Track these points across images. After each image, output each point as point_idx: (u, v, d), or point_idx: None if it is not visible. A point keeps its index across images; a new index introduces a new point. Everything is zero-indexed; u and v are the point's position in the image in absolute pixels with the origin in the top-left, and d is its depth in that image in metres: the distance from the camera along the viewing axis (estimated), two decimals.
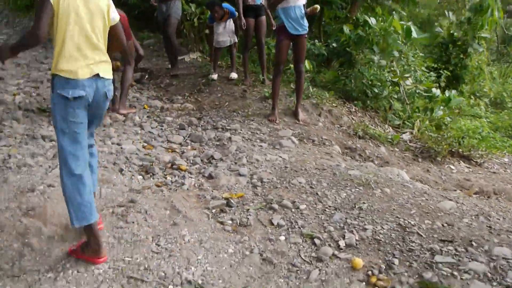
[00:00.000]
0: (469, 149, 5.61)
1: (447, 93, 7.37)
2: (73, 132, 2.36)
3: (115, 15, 2.58)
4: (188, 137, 4.75)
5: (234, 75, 6.42)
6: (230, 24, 6.29)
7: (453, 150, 5.53)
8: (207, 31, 7.64)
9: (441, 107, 6.59)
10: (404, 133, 5.89)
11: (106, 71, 2.48)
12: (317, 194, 3.45)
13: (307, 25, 5.18)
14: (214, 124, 5.02)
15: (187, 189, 3.57)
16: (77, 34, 2.35)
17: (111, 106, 5.13)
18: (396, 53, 6.57)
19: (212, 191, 3.52)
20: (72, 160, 2.37)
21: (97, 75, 2.40)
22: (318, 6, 5.27)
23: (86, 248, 2.48)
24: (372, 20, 6.75)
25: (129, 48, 5.47)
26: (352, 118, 5.73)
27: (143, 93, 6.15)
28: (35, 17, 2.29)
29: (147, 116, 5.30)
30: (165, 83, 6.51)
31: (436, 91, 7.18)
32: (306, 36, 5.25)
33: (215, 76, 6.40)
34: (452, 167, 5.20)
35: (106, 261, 2.51)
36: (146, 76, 6.83)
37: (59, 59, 2.32)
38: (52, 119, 2.45)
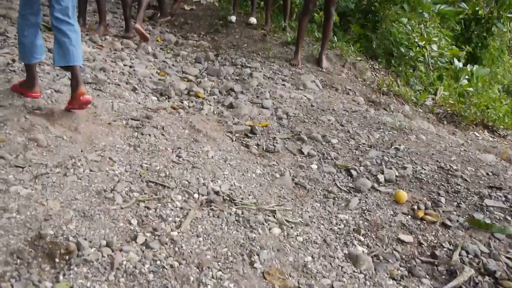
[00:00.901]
0: (493, 120, 5.35)
1: (469, 67, 7.07)
2: None
3: None
4: (205, 70, 4.41)
5: (253, 20, 6.04)
6: None
7: (477, 119, 5.27)
8: None
9: (466, 76, 6.29)
10: (427, 98, 5.60)
11: None
12: (348, 132, 3.16)
13: None
14: (233, 61, 4.69)
15: (206, 114, 3.27)
16: None
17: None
18: (426, 15, 6.22)
19: (234, 118, 3.22)
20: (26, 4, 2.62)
21: None
22: None
23: (25, 84, 2.78)
24: None
25: None
26: (376, 75, 5.42)
27: (156, 28, 5.75)
28: None
29: (160, 48, 4.94)
30: (179, 21, 6.11)
31: (459, 63, 6.88)
32: None
33: (233, 18, 6.01)
34: (477, 134, 4.95)
35: (122, 164, 2.22)
36: (159, 14, 6.41)
37: None
38: None
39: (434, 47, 6.35)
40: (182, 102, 3.48)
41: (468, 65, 7.45)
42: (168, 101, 3.46)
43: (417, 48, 6.03)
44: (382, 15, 6.33)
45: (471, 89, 6.22)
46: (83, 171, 2.10)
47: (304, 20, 4.84)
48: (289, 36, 5.44)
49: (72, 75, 2.62)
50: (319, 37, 5.53)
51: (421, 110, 5.05)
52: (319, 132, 3.07)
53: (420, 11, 6.13)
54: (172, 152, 2.46)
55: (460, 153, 3.08)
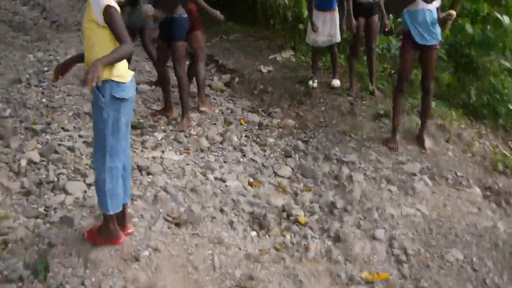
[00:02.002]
0: None
1: None
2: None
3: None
4: (298, 169, 4.09)
5: (336, 83, 5.63)
6: (334, 17, 5.43)
7: None
8: (301, 25, 6.86)
9: None
10: None
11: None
12: (484, 282, 2.69)
13: (439, 33, 4.27)
14: (326, 152, 4.31)
15: (313, 257, 2.94)
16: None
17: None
18: None
19: (346, 264, 2.86)
20: (113, 152, 2.58)
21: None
22: (454, 12, 4.32)
23: (105, 233, 2.73)
24: (505, 18, 5.64)
25: (199, 39, 4.95)
26: (484, 144, 4.79)
27: (237, 102, 5.52)
28: (120, 29, 2.44)
29: (245, 136, 4.69)
30: (258, 89, 5.84)
31: None
32: (438, 47, 4.34)
33: (315, 84, 5.62)
34: None
35: None
36: (237, 79, 6.20)
37: (112, 66, 2.46)
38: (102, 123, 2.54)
39: None
40: (284, 236, 3.17)
41: None
42: (269, 235, 3.18)
43: None
44: (477, 65, 5.65)
45: None
46: None
47: (399, 98, 4.39)
48: (381, 109, 4.97)
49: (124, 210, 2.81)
50: (412, 106, 5.01)
51: None
52: (452, 286, 2.63)
53: None
54: None
55: None
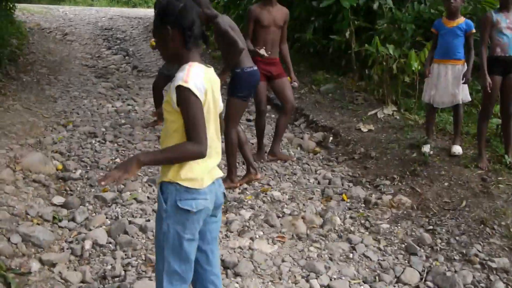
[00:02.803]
0: None
1: None
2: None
3: (221, 103, 2.02)
4: (427, 273, 3.08)
5: (458, 149, 4.58)
6: (459, 71, 4.46)
7: None
8: (407, 78, 5.92)
9: None
10: None
11: (219, 170, 2.04)
12: None
13: None
14: (462, 250, 3.26)
15: None
16: (211, 134, 1.89)
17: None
18: None
19: None
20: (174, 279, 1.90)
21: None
22: None
23: None
24: None
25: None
26: None
27: (334, 169, 4.64)
28: (190, 122, 1.77)
29: (350, 217, 3.77)
30: (359, 152, 4.93)
31: None
32: None
33: (427, 148, 4.62)
34: None
35: None
36: (331, 138, 5.35)
37: (183, 166, 1.84)
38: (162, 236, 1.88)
39: None
40: None
41: None
42: None
43: None
44: None
45: None
46: None
47: None
48: None
49: None
50: None
51: None
52: None
53: None
54: None
55: None
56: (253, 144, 5.20)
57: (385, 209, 3.88)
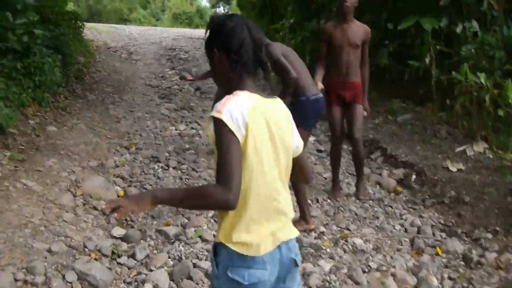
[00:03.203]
0: None
1: None
2: None
3: (299, 142, 1.63)
4: None
5: None
6: None
7: None
8: (501, 111, 5.24)
9: None
10: None
11: (291, 229, 1.58)
12: None
13: None
14: None
15: None
16: (263, 188, 1.48)
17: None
18: None
19: None
20: None
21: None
22: None
23: None
24: None
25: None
26: None
27: (423, 214, 4.05)
28: (219, 161, 1.39)
29: (449, 278, 3.17)
30: (449, 196, 4.31)
31: None
32: None
33: None
34: None
35: None
36: (414, 177, 4.76)
37: (235, 225, 1.46)
38: None
39: None
40: None
41: None
42: None
43: None
44: None
45: None
46: None
47: None
48: None
49: None
50: None
51: None
52: None
53: None
54: None
55: None
56: (326, 178, 4.72)
57: (490, 271, 3.25)
